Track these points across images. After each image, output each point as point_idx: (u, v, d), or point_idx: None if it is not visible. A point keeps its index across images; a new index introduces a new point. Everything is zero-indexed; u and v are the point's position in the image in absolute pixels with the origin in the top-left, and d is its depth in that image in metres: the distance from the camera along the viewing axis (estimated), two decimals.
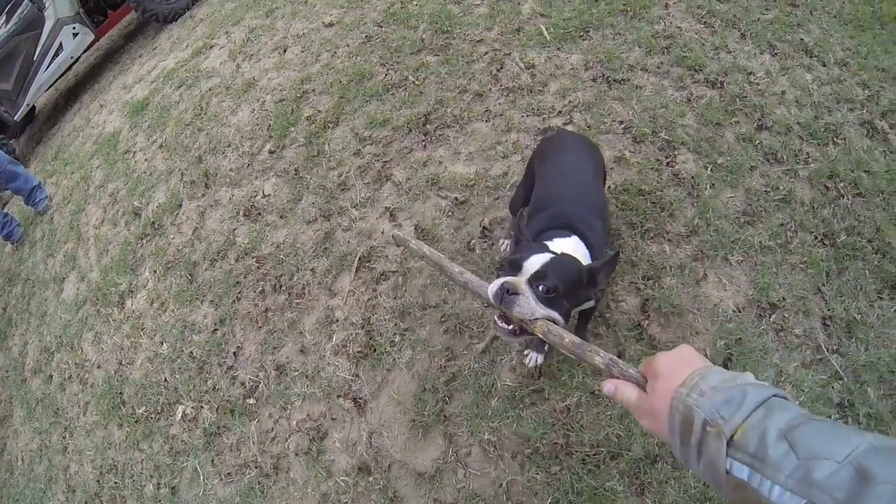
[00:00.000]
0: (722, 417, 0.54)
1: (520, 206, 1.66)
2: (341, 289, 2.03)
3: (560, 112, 2.32)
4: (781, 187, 2.03)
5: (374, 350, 1.84)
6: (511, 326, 1.00)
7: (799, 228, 1.94)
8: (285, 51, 3.28)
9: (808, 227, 1.94)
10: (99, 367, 2.47)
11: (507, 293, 0.98)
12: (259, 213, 2.42)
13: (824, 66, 2.48)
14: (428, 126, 2.36)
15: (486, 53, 2.65)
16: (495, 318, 1.04)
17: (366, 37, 3.02)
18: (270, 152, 2.64)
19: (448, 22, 2.89)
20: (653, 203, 2.01)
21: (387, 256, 2.05)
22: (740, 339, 1.69)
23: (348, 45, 3.02)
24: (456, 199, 2.07)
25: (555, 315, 1.00)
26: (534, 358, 1.64)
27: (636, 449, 1.50)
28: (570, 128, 2.25)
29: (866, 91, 2.36)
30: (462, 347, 1.77)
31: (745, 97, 2.32)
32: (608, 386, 0.71)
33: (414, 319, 1.86)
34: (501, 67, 2.55)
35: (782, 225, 1.94)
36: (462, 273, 1.12)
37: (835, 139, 2.19)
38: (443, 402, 1.69)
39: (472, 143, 2.25)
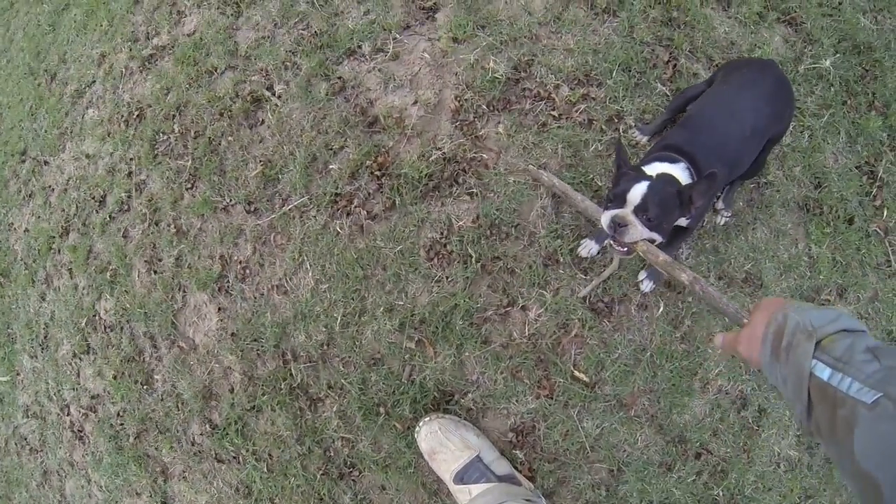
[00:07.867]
0: (813, 326, 0.64)
1: (677, 110, 1.63)
2: None
3: None
4: None
5: None
6: (625, 249, 1.24)
7: None
8: None
9: None
10: None
11: (619, 225, 1.19)
12: None
13: None
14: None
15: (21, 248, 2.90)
16: (611, 244, 1.28)
17: None
18: None
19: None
20: None
21: None
22: None
23: None
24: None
25: (656, 237, 1.21)
26: (588, 248, 1.64)
27: None
28: None
29: None
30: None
31: None
32: (718, 340, 0.86)
33: None
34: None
35: None
36: (584, 200, 1.41)
37: None
38: None
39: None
